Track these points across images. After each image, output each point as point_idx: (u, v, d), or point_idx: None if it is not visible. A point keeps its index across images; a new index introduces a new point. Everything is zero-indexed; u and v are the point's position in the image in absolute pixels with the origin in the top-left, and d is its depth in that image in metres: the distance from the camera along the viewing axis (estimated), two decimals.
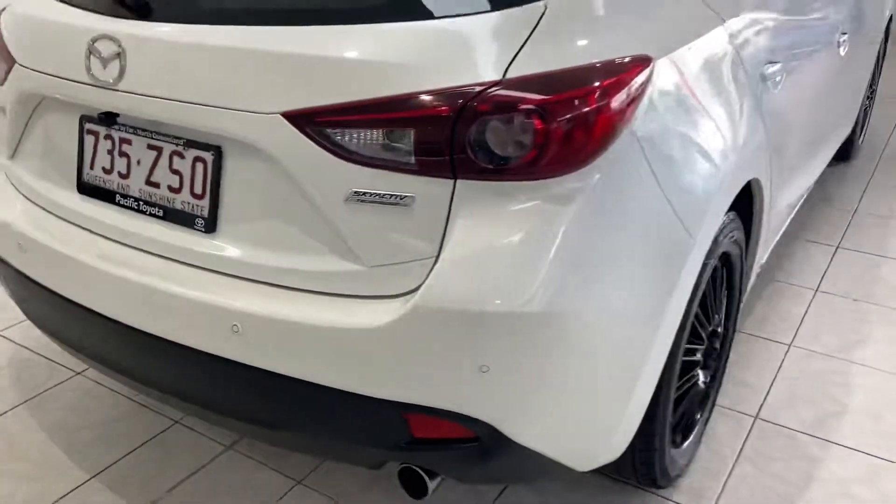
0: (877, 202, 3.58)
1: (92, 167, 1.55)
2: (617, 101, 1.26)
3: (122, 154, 1.49)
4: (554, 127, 1.20)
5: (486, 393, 1.27)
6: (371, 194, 1.24)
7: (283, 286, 1.35)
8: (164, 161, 1.44)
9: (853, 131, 3.77)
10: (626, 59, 1.29)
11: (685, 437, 1.88)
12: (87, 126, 1.54)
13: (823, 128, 2.59)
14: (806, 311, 2.66)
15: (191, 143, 1.40)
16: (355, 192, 1.25)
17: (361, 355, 1.28)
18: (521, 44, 1.24)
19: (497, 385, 1.27)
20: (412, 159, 1.22)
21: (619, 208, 1.29)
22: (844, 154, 3.95)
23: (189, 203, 1.43)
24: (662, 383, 1.53)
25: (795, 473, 1.93)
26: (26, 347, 2.44)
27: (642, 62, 1.31)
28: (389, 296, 1.27)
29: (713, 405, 2.04)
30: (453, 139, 1.20)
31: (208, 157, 1.38)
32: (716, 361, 1.99)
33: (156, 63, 1.37)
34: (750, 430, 2.08)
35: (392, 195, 1.24)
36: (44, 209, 1.66)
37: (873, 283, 2.84)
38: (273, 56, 1.28)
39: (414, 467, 1.43)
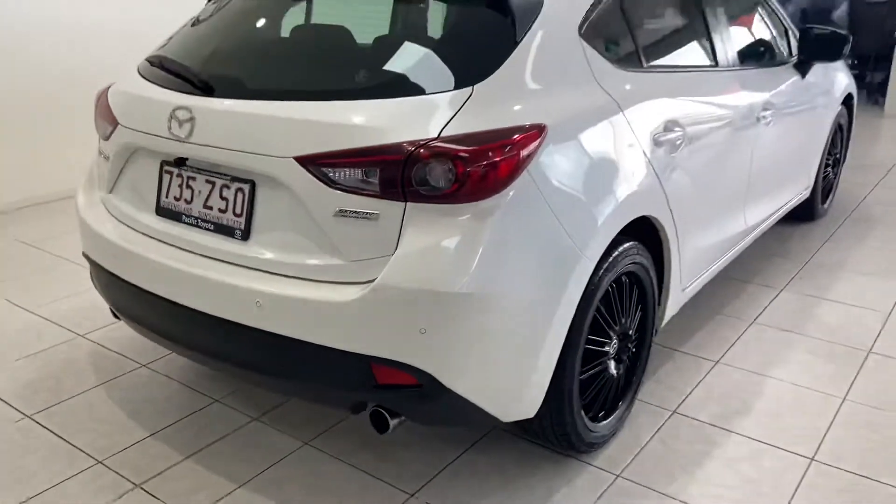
0: (831, 255, 4.08)
1: (167, 196, 2.22)
2: (515, 153, 1.87)
3: (188, 187, 2.16)
4: (470, 169, 1.82)
5: (425, 349, 1.86)
6: (350, 211, 1.87)
7: (292, 276, 1.97)
8: (216, 191, 2.10)
9: (812, 195, 4.30)
10: (525, 126, 1.91)
11: (606, 416, 2.42)
12: (165, 167, 2.21)
13: (747, 189, 3.15)
14: (738, 338, 3.17)
15: (234, 178, 2.05)
16: (340, 210, 1.88)
17: (341, 321, 1.89)
18: (453, 115, 1.87)
19: (433, 344, 1.86)
20: (377, 188, 1.84)
21: (521, 225, 1.89)
22: (807, 215, 4.47)
23: (231, 220, 2.07)
24: (566, 360, 2.09)
25: (695, 452, 2.44)
26: (103, 346, 3.10)
27: (537, 128, 1.93)
28: (363, 282, 1.88)
29: (634, 396, 2.57)
30: (403, 175, 1.82)
31: (246, 188, 2.03)
32: (632, 360, 2.53)
33: (214, 124, 2.04)
34: (666, 420, 2.60)
35: (364, 212, 1.86)
36: (130, 227, 2.32)
37: (806, 320, 3.34)
38: (287, 120, 1.93)
39: (380, 409, 2.01)
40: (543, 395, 2.09)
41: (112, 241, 2.31)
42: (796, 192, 3.94)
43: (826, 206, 4.67)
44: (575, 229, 2.00)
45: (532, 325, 1.96)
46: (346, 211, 1.88)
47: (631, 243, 2.30)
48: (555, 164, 1.97)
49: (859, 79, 8.17)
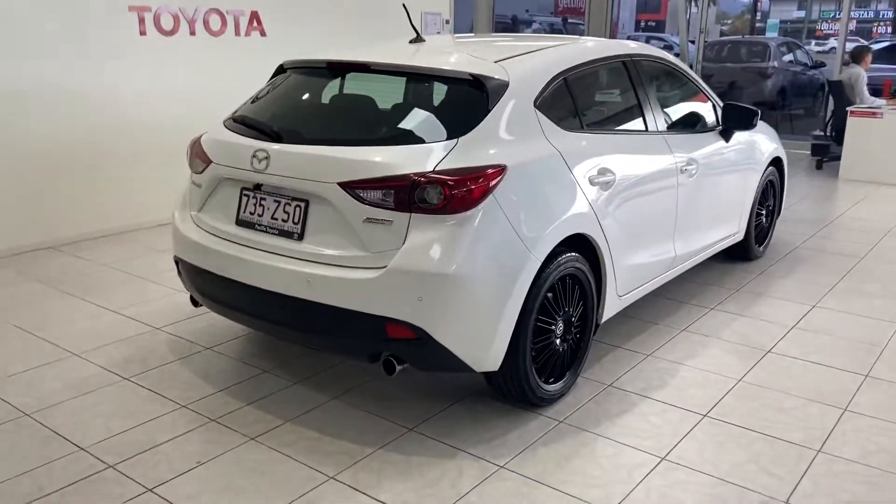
0: (758, 286, 4.99)
1: (244, 211, 3.18)
2: (484, 183, 2.83)
3: (261, 205, 3.12)
4: (454, 192, 2.77)
5: (422, 312, 2.78)
6: (374, 219, 2.82)
7: (333, 264, 2.91)
8: (280, 207, 3.06)
9: (746, 239, 5.23)
10: (492, 165, 2.87)
11: (556, 381, 3.31)
12: (244, 191, 3.18)
13: (675, 225, 4.09)
14: (668, 340, 4.07)
15: (294, 198, 3.02)
16: (367, 218, 2.83)
17: (365, 292, 2.82)
18: (444, 156, 2.84)
19: (427, 308, 2.78)
20: (392, 204, 2.79)
21: (488, 230, 2.83)
22: (744, 255, 5.40)
23: (291, 227, 3.03)
24: (520, 329, 3.00)
25: (620, 410, 3.32)
26: (177, 335, 4.03)
27: (500, 167, 2.89)
28: (381, 266, 2.81)
29: (578, 370, 3.46)
30: (409, 195, 2.77)
31: (302, 204, 2.99)
32: (576, 342, 3.43)
33: (283, 160, 3.02)
34: (602, 390, 3.48)
35: (383, 219, 2.81)
36: (214, 235, 3.28)
37: (725, 329, 4.23)
38: (332, 158, 2.91)
39: (390, 358, 2.92)
40: (504, 351, 2.99)
41: (200, 243, 3.26)
42: (725, 234, 4.88)
43: (762, 248, 5.60)
44: (526, 237, 2.94)
45: (495, 299, 2.88)
46: (371, 219, 2.83)
47: (571, 253, 3.23)
48: (513, 191, 2.92)
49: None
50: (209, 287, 3.32)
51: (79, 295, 4.68)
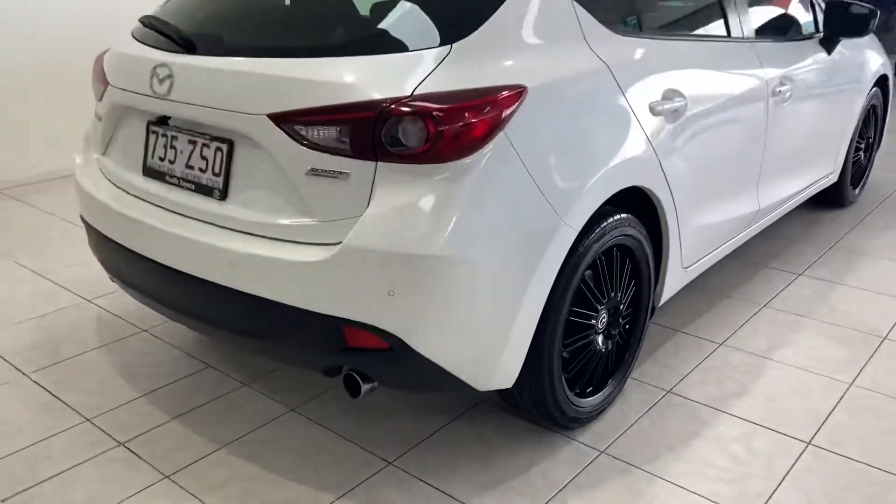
0: (856, 241, 3.93)
1: (152, 156, 2.22)
2: (490, 114, 1.83)
3: (172, 147, 2.16)
4: (442, 128, 1.78)
5: (394, 312, 1.83)
6: (322, 170, 1.85)
7: (266, 236, 1.96)
8: (197, 151, 2.09)
9: (841, 180, 4.15)
10: (503, 86, 1.86)
11: (594, 392, 2.36)
12: (151, 128, 2.22)
13: (760, 169, 3.04)
14: (746, 321, 3.08)
15: (214, 138, 2.05)
16: (312, 169, 1.86)
17: (310, 282, 1.87)
18: (429, 73, 1.83)
19: (402, 306, 1.83)
20: (348, 147, 1.82)
21: (496, 188, 1.85)
22: (836, 201, 4.32)
23: (211, 179, 2.07)
24: (544, 331, 2.05)
25: (685, 431, 2.37)
26: (108, 311, 3.15)
27: (516, 89, 1.88)
28: (334, 242, 1.86)
29: (626, 374, 2.51)
30: (373, 134, 1.79)
31: (224, 147, 2.02)
32: (625, 337, 2.47)
33: (191, 81, 2.04)
34: (659, 400, 2.53)
35: (335, 171, 1.84)
36: (121, 189, 2.34)
37: (819, 304, 3.22)
38: (262, 77, 1.92)
39: (353, 373, 1.99)
40: (520, 364, 2.04)
41: (103, 203, 2.33)
42: (819, 176, 3.80)
43: (857, 192, 4.51)
44: (555, 196, 1.95)
45: (506, 291, 1.92)
46: (317, 170, 1.86)
47: (622, 215, 2.23)
48: (535, 128, 1.92)
49: None
50: (114, 262, 2.41)
51: (2, 252, 3.82)
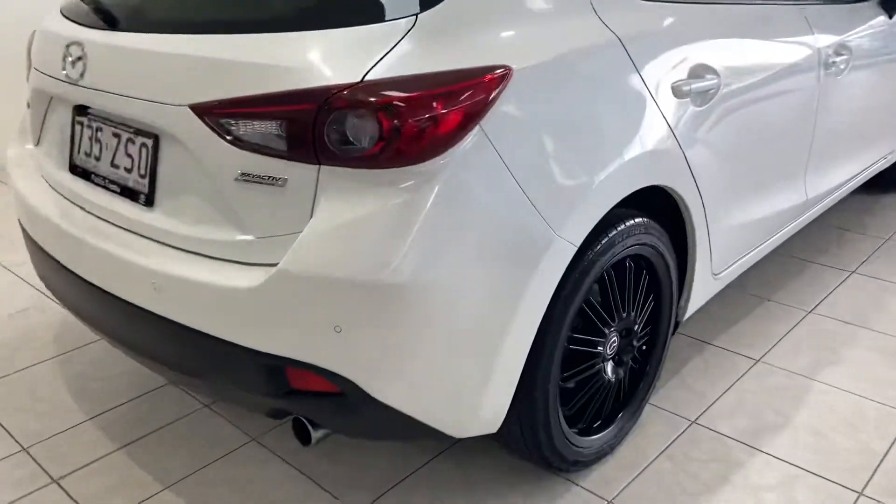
0: None
1: (79, 151, 1.89)
2: (463, 104, 1.44)
3: (97, 140, 1.82)
4: (400, 123, 1.40)
5: (344, 351, 1.48)
6: (254, 176, 1.49)
7: (196, 252, 1.62)
8: (122, 146, 1.75)
9: None
10: (480, 68, 1.47)
11: (602, 428, 2.00)
12: (76, 118, 1.88)
13: (809, 154, 2.60)
14: (789, 331, 2.66)
15: (138, 132, 1.70)
16: (242, 174, 1.50)
17: (242, 311, 1.52)
18: (386, 52, 1.45)
19: (353, 345, 1.47)
20: (284, 147, 1.45)
21: (470, 196, 1.47)
22: (891, 183, 3.84)
23: (137, 181, 1.72)
24: (537, 364, 1.68)
25: (710, 475, 1.99)
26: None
27: (497, 72, 1.49)
28: (271, 264, 1.50)
29: (642, 405, 2.13)
30: (314, 131, 1.42)
31: (149, 143, 1.67)
32: (639, 361, 2.09)
33: (106, 63, 1.69)
34: (682, 433, 2.15)
35: (270, 177, 1.48)
36: (52, 187, 2.01)
37: (874, 310, 2.79)
38: (183, 58, 1.55)
39: (301, 417, 1.65)
40: (506, 406, 1.68)
41: (28, 201, 2.01)
42: (877, 157, 3.33)
43: None
44: (546, 203, 1.56)
45: (485, 323, 1.55)
46: (249, 175, 1.50)
47: (637, 220, 1.85)
48: (522, 119, 1.53)
49: None
50: (42, 270, 2.09)
51: None
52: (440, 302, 1.48)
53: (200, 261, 1.60)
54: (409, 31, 1.48)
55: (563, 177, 1.59)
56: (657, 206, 1.97)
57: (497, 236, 1.52)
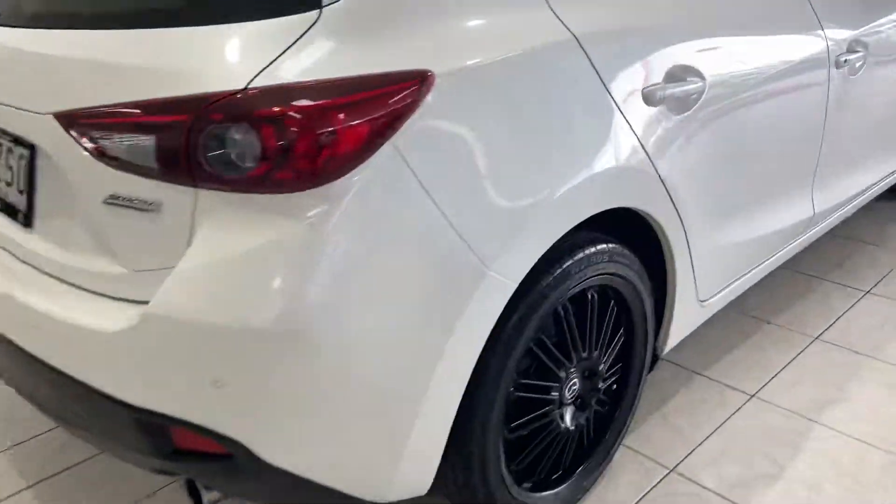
0: None
1: None
2: (370, 117, 1.19)
3: None
4: (290, 140, 1.16)
5: (227, 408, 1.25)
6: (124, 198, 1.26)
7: (72, 283, 1.39)
8: (2, 157, 1.52)
9: None
10: (394, 74, 1.22)
11: (561, 481, 1.75)
12: None
13: (818, 164, 2.30)
14: (790, 361, 2.38)
15: (16, 141, 1.47)
16: (111, 196, 1.27)
17: (114, 357, 1.29)
18: (279, 54, 1.20)
19: (238, 401, 1.24)
20: (155, 165, 1.21)
21: (379, 229, 1.22)
22: None
23: (17, 197, 1.50)
24: (472, 416, 1.44)
25: None
26: None
27: (415, 77, 1.23)
28: (141, 301, 1.27)
29: (610, 453, 1.87)
30: (189, 147, 1.18)
31: (26, 154, 1.45)
32: (611, 403, 1.83)
33: None
34: (657, 484, 1.89)
35: (141, 201, 1.24)
36: None
37: (889, 338, 2.50)
38: (49, 58, 1.32)
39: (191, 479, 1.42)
40: (433, 468, 1.44)
41: None
42: None
43: None
44: (476, 233, 1.31)
45: (400, 374, 1.30)
46: (119, 197, 1.26)
47: (600, 247, 1.59)
48: (446, 134, 1.28)
49: None
50: None
51: None
52: (341, 352, 1.24)
53: (73, 294, 1.37)
54: (311, 27, 1.23)
55: (497, 202, 1.33)
56: (631, 226, 1.71)
57: (414, 274, 1.27)
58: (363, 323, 1.24)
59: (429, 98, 1.24)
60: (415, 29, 1.29)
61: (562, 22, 1.46)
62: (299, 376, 1.23)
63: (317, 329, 1.20)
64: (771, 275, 2.71)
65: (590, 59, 1.48)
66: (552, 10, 1.46)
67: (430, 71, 1.25)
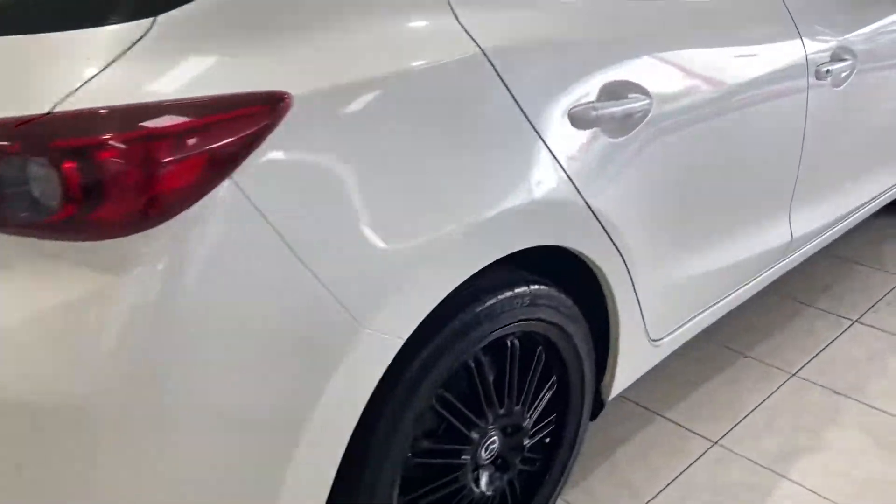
0: None
1: None
2: (204, 148, 0.99)
3: None
4: (101, 177, 0.95)
5: (32, 497, 1.05)
6: None
7: None
8: None
9: None
10: (240, 96, 1.01)
11: None
12: None
13: (795, 184, 2.07)
14: (763, 401, 2.16)
15: None
16: None
17: None
18: (98, 71, 1.00)
19: (40, 489, 1.04)
20: None
21: (217, 281, 1.02)
22: None
23: None
24: (354, 492, 1.23)
25: None
26: None
27: (265, 101, 1.02)
28: None
29: None
30: None
31: None
32: (537, 462, 1.62)
33: None
34: None
35: None
36: None
37: (874, 376, 2.27)
38: None
39: None
40: None
41: None
42: (894, 182, 2.77)
43: None
44: (346, 284, 1.10)
45: (248, 454, 1.10)
46: None
47: (518, 290, 1.38)
48: (306, 167, 1.07)
49: None
50: None
51: None
52: (167, 429, 1.03)
53: None
54: (140, 39, 1.02)
55: (374, 248, 1.12)
56: (564, 260, 1.49)
57: (271, 332, 1.07)
58: (197, 393, 1.04)
59: (283, 125, 1.03)
60: (272, 42, 1.08)
61: (467, 32, 1.24)
62: (111, 458, 1.03)
63: (133, 402, 1.00)
64: (751, 300, 2.48)
65: (500, 76, 1.26)
66: (457, 18, 1.24)
67: (285, 93, 1.04)
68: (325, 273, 1.08)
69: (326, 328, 1.10)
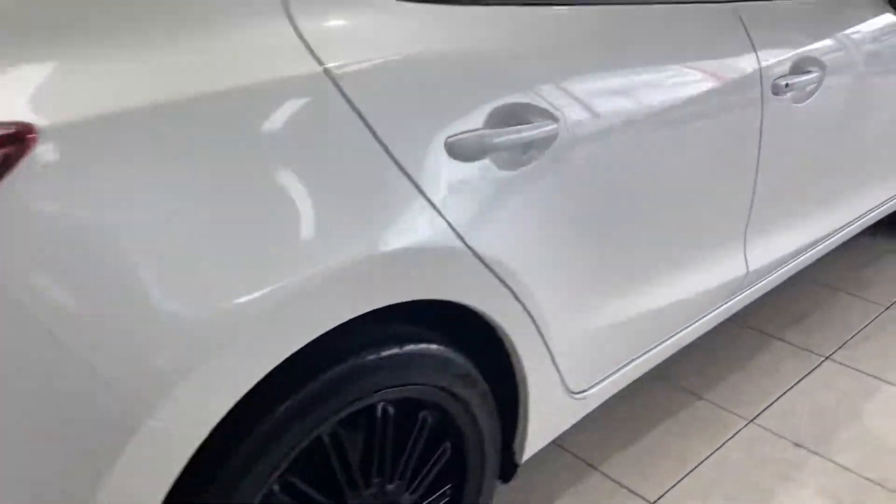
0: None
1: None
2: None
3: None
4: None
5: None
6: None
7: None
8: None
9: None
10: None
11: None
12: None
13: (750, 210, 1.84)
14: (711, 454, 1.93)
15: None
16: None
17: None
18: None
19: None
20: None
21: None
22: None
23: None
24: None
25: None
26: None
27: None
28: None
29: None
30: None
31: None
32: None
33: None
34: None
35: None
36: None
37: (841, 424, 2.03)
38: None
39: None
40: None
41: None
42: (875, 203, 2.52)
43: None
44: (119, 363, 0.88)
45: None
46: None
47: (386, 353, 1.16)
48: (64, 217, 0.85)
49: None
50: None
51: None
52: None
53: None
54: None
55: (162, 317, 0.90)
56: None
57: (35, 424, 0.85)
58: None
59: (24, 164, 0.81)
60: (9, 60, 0.86)
61: (307, 46, 1.02)
62: None
63: None
64: (715, 331, 2.24)
65: (348, 100, 1.04)
66: (295, 27, 1.02)
67: (26, 124, 0.82)
68: (93, 348, 0.86)
69: (95, 422, 0.88)
